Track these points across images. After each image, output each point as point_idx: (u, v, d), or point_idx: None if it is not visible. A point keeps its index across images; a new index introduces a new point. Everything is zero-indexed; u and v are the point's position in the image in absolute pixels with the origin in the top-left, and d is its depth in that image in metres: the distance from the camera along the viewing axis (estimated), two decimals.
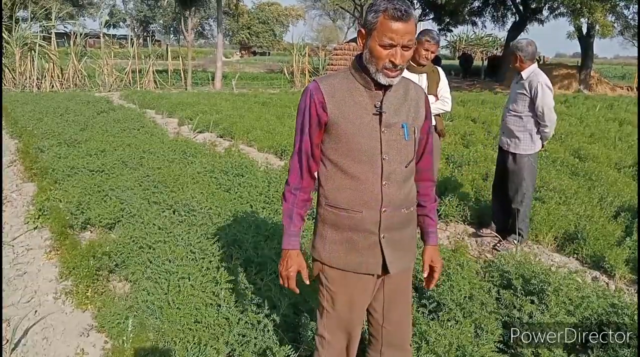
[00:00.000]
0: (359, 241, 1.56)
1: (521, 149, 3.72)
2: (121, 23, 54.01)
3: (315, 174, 1.61)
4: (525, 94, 3.62)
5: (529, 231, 3.89)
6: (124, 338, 2.42)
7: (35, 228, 4.08)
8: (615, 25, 17.91)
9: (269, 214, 3.90)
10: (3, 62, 16.02)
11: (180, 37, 37.70)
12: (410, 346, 1.80)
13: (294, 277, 1.61)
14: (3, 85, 15.78)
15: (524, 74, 3.65)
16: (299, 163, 1.59)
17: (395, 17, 1.38)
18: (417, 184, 1.69)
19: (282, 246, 1.62)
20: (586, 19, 16.97)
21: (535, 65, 3.67)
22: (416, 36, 3.64)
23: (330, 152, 1.56)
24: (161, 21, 52.60)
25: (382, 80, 1.46)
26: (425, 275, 1.74)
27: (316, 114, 1.52)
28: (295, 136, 1.60)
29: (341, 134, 1.52)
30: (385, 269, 1.59)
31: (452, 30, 27.46)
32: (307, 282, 1.63)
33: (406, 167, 1.56)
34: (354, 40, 17.35)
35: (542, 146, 3.82)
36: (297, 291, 1.63)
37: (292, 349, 2.17)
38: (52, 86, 16.71)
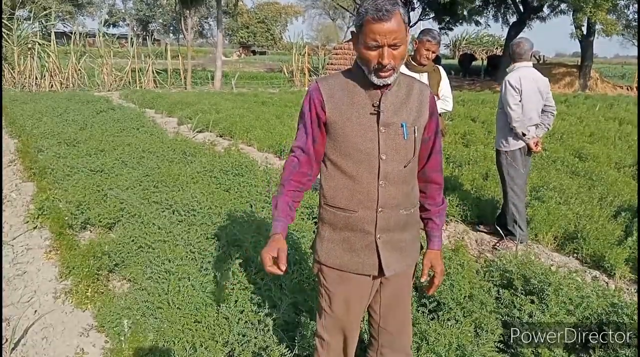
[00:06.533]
0: (356, 241, 1.56)
1: (497, 145, 3.85)
2: (121, 22, 53.94)
3: (310, 173, 1.59)
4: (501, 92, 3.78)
5: (527, 232, 3.88)
6: (122, 338, 2.42)
7: (34, 228, 4.08)
8: (617, 23, 17.85)
9: (269, 213, 3.90)
10: (3, 61, 16.00)
11: (180, 36, 37.69)
12: (410, 348, 1.79)
13: (267, 259, 1.43)
14: (2, 84, 15.77)
15: (507, 71, 3.78)
16: (295, 157, 1.57)
17: (375, 18, 1.37)
18: (424, 185, 1.67)
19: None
20: (587, 17, 16.93)
21: (522, 64, 3.70)
22: (417, 36, 3.66)
23: (330, 151, 1.56)
24: (161, 20, 52.58)
25: (375, 81, 1.46)
26: (423, 280, 1.69)
27: (316, 114, 1.53)
28: (296, 134, 1.60)
29: (339, 133, 1.52)
30: (381, 271, 1.57)
31: (452, 29, 27.45)
32: (283, 268, 1.43)
33: (405, 167, 1.54)
34: None
35: (529, 148, 3.75)
36: (278, 271, 1.43)
37: (287, 350, 2.17)
38: (52, 85, 16.69)
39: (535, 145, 3.75)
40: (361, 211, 1.53)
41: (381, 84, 1.47)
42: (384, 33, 1.37)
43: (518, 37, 3.91)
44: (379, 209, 1.53)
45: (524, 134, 3.68)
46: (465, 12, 23.25)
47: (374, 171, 1.51)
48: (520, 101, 3.63)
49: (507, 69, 3.81)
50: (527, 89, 3.63)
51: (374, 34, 1.38)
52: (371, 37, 1.39)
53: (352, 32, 1.53)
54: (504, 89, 3.66)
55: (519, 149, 3.74)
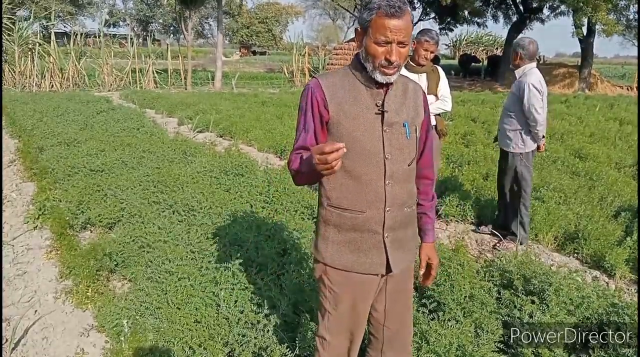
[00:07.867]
0: (363, 241, 1.56)
1: (511, 147, 3.77)
2: (121, 22, 53.93)
3: None
4: (515, 94, 3.68)
5: (528, 232, 3.88)
6: (122, 338, 2.42)
7: (35, 228, 4.08)
8: (618, 23, 17.82)
9: (269, 213, 3.90)
10: (3, 61, 16.01)
11: (180, 36, 37.71)
12: (411, 346, 1.80)
13: (327, 147, 1.21)
14: (3, 84, 15.78)
15: (517, 73, 3.72)
16: (299, 155, 1.48)
17: (388, 14, 1.38)
18: (417, 182, 1.69)
19: (304, 167, 1.41)
20: (588, 18, 16.92)
21: (532, 65, 3.68)
22: (415, 36, 3.66)
23: None
24: (161, 21, 52.56)
25: (379, 78, 1.46)
26: (422, 272, 1.75)
27: (318, 112, 1.50)
28: (296, 134, 1.55)
29: (343, 134, 1.50)
30: (388, 269, 1.59)
31: (452, 30, 27.44)
32: (341, 145, 1.20)
33: (409, 165, 1.56)
34: (354, 39, 17.35)
35: (539, 148, 3.77)
36: (342, 144, 1.20)
37: (288, 349, 2.17)
38: (52, 86, 16.70)
39: (542, 145, 3.79)
40: (369, 211, 1.53)
41: (384, 82, 1.47)
42: (395, 29, 1.39)
43: (523, 37, 3.87)
44: (387, 209, 1.53)
45: (543, 136, 3.68)
46: (466, 13, 23.27)
47: (380, 171, 1.51)
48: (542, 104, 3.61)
49: (516, 70, 3.71)
50: (545, 90, 3.62)
51: (384, 29, 1.39)
52: (382, 32, 1.40)
53: (356, 29, 1.51)
54: (528, 91, 3.54)
55: (532, 150, 3.76)
